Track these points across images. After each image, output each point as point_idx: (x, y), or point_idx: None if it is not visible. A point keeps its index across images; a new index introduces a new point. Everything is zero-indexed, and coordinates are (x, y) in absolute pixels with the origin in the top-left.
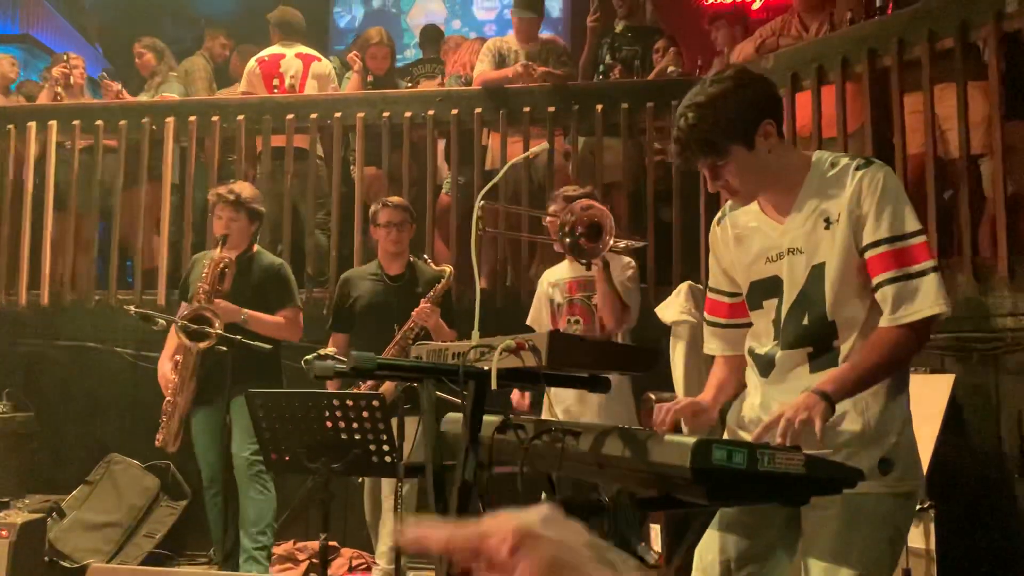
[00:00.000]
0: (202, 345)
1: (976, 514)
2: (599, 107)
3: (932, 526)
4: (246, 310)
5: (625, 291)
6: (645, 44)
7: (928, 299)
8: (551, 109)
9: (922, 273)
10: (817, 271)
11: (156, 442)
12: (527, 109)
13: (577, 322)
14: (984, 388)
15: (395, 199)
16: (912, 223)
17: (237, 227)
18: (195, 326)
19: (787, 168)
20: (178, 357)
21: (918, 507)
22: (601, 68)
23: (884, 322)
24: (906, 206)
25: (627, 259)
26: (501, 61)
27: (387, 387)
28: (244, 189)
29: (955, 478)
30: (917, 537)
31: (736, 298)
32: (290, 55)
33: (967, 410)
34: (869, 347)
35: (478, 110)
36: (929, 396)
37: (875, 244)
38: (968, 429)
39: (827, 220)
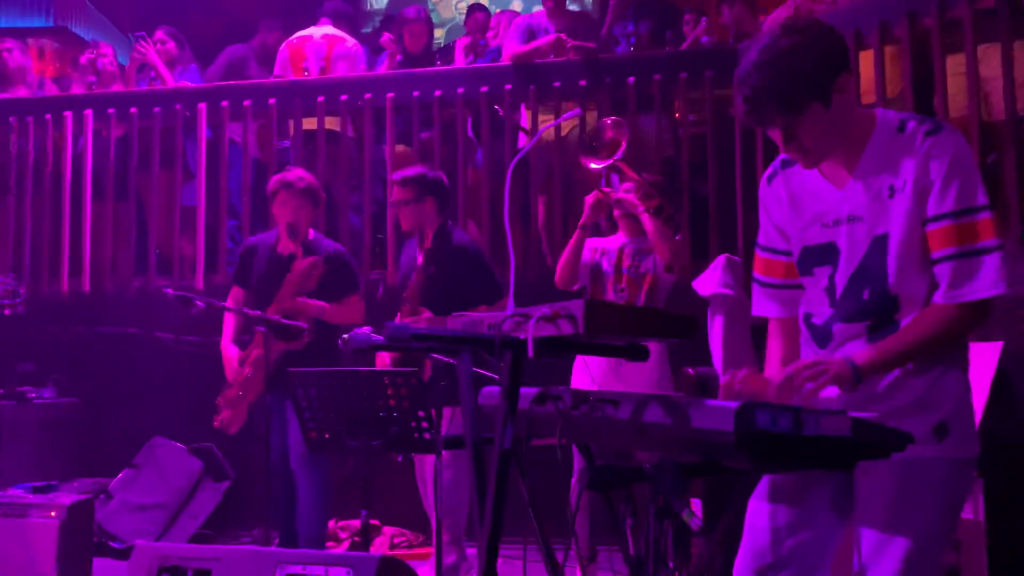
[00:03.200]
0: (293, 345)
1: None
2: (631, 80)
3: (981, 496)
4: (324, 305)
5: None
6: (660, 18)
7: (988, 279)
8: (582, 83)
9: (984, 251)
10: (879, 242)
11: (215, 422)
12: (557, 84)
13: (622, 291)
14: None
15: (403, 175)
16: (981, 197)
17: (304, 214)
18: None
19: (853, 127)
20: (245, 337)
21: None
22: (632, 40)
23: (939, 298)
24: (975, 177)
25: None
26: (531, 38)
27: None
28: (306, 175)
29: (1004, 448)
30: (966, 508)
31: (790, 257)
32: (316, 37)
33: (1015, 378)
34: (918, 323)
35: (508, 87)
36: (976, 365)
37: (939, 217)
38: (1016, 397)
39: (892, 188)
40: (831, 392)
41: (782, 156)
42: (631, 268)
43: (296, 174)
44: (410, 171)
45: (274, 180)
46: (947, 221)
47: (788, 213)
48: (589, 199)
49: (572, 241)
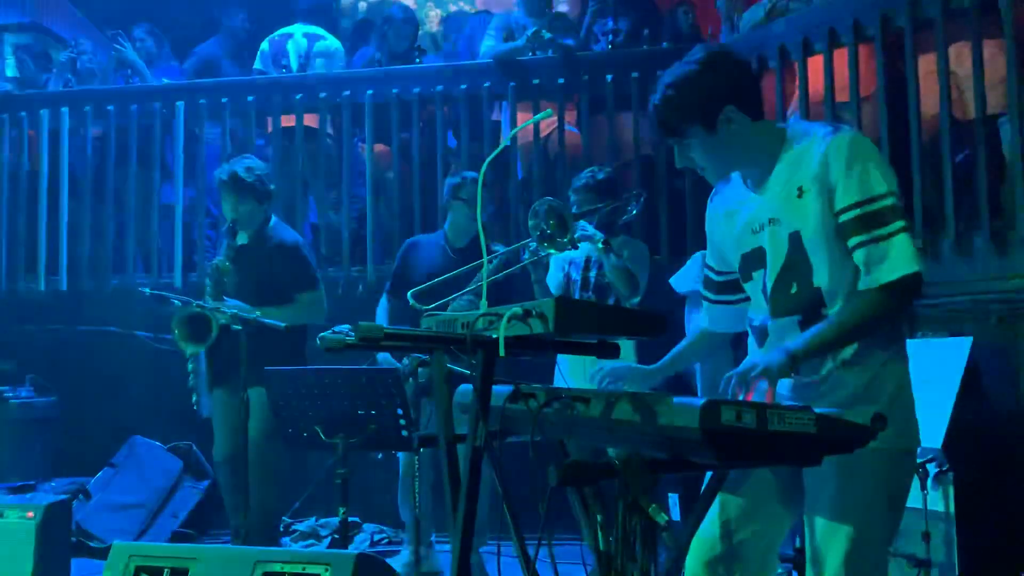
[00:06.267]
0: (202, 346)
1: (995, 477)
2: (609, 77)
3: (951, 489)
4: (258, 311)
5: (631, 269)
6: (639, 16)
7: (898, 260)
8: (561, 81)
9: (891, 235)
10: (795, 239)
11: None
12: (536, 81)
13: (591, 299)
14: (1002, 350)
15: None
16: (879, 185)
17: (244, 210)
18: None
19: (761, 145)
20: None
21: (939, 470)
22: (610, 37)
23: (860, 285)
24: (874, 168)
25: (634, 242)
26: (509, 35)
27: None
28: (243, 168)
29: (974, 441)
30: (936, 500)
31: (724, 276)
32: (297, 35)
33: (985, 373)
34: (844, 310)
35: (487, 84)
36: (947, 360)
37: (845, 209)
38: (986, 392)
39: (800, 189)
40: (778, 388)
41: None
42: (598, 277)
43: (229, 169)
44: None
45: (214, 178)
46: (852, 212)
47: (725, 227)
48: None
49: None
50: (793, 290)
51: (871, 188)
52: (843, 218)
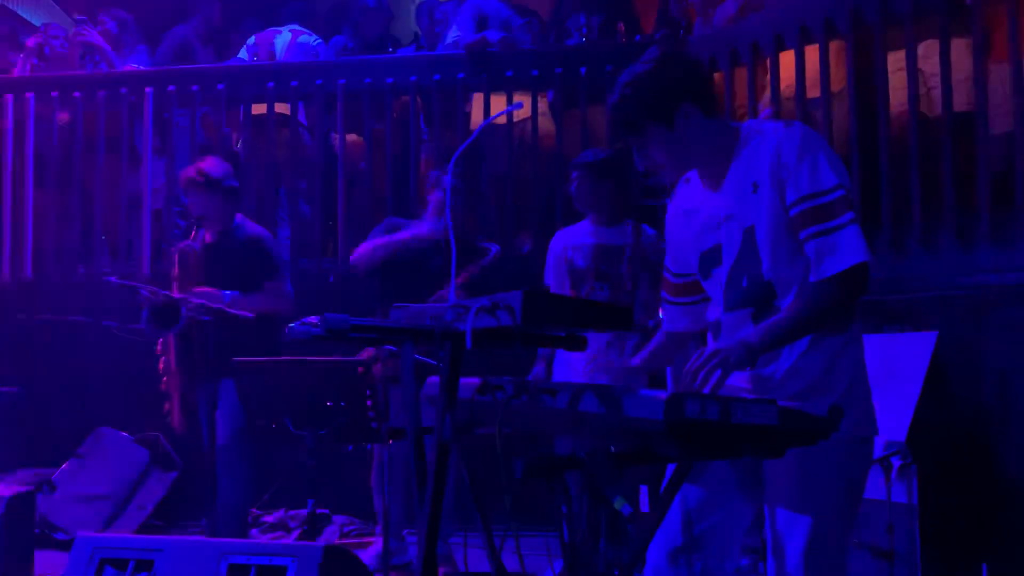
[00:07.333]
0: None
1: (958, 469)
2: (583, 70)
3: (914, 482)
4: (229, 293)
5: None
6: (613, 12)
7: (848, 251)
8: (534, 73)
9: (841, 226)
10: (749, 234)
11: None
12: (510, 74)
13: (602, 288)
14: (967, 345)
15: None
16: (829, 178)
17: (212, 207)
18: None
19: (717, 143)
20: None
21: (902, 463)
22: (584, 31)
23: (811, 277)
24: (823, 161)
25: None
26: (481, 24)
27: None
28: (213, 167)
29: (937, 435)
30: (900, 492)
31: (681, 278)
32: (284, 30)
33: (949, 367)
34: (798, 301)
35: (461, 75)
36: (911, 354)
37: (796, 202)
38: (950, 386)
39: (755, 184)
40: (736, 381)
41: (685, 175)
42: (609, 269)
43: (199, 168)
44: None
45: (181, 175)
46: (803, 205)
47: (684, 226)
48: None
49: None
50: (744, 283)
51: (821, 181)
52: (794, 211)
